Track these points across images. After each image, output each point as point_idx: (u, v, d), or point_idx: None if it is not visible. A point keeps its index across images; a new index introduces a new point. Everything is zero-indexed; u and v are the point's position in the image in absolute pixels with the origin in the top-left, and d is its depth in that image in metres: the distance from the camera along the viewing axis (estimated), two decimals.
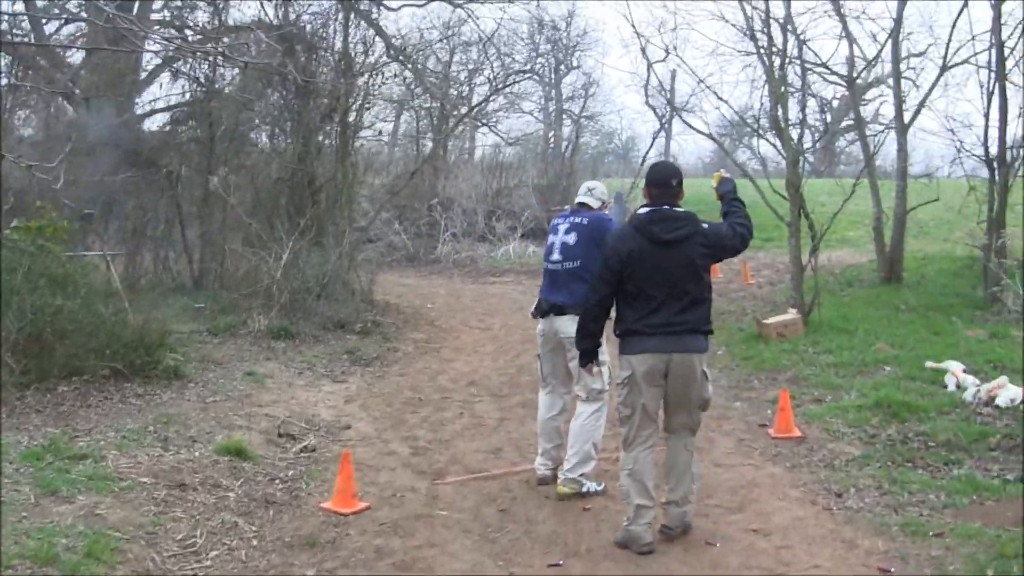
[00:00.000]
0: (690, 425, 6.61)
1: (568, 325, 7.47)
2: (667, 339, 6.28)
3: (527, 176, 27.63)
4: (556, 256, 7.72)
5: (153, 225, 17.26)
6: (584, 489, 7.51)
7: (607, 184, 12.25)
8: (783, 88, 14.52)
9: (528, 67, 32.60)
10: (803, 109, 15.28)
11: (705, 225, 6.41)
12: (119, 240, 16.90)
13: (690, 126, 17.11)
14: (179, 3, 19.15)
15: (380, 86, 19.02)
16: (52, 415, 8.77)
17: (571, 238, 7.67)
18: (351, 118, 16.93)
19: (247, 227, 15.79)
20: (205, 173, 16.52)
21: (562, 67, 40.32)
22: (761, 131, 15.39)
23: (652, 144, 33.49)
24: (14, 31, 19.04)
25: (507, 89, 30.26)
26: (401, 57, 20.38)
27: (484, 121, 30.95)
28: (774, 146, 14.61)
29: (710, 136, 18.13)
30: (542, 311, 7.82)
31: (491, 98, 28.30)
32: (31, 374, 9.41)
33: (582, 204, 7.93)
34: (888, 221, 16.94)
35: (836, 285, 16.81)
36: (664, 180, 6.51)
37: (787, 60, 15.03)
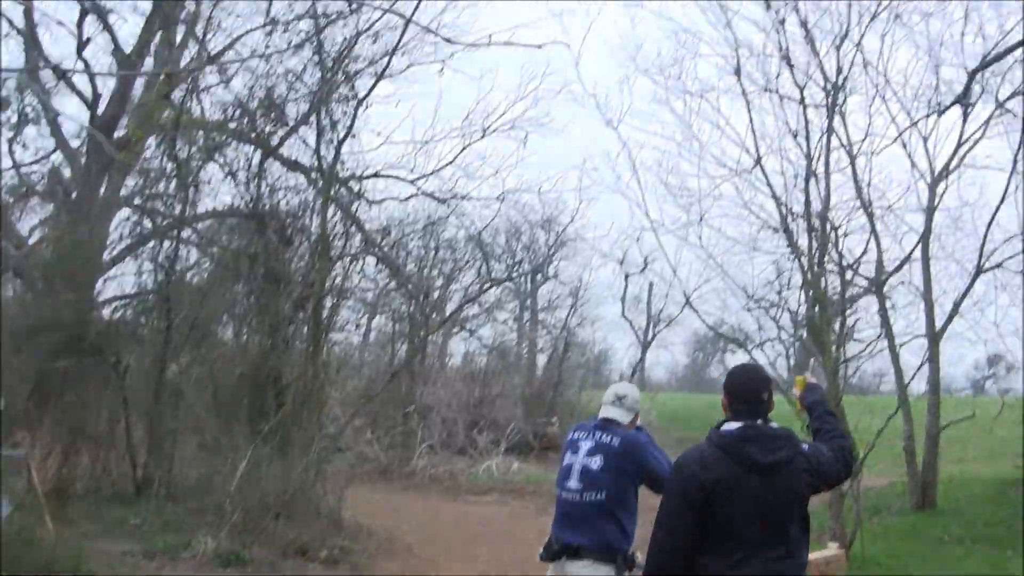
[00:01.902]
0: None
1: (582, 572, 5.94)
2: None
3: (512, 385, 25.78)
4: (574, 483, 6.09)
5: (94, 421, 15.22)
6: None
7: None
8: (822, 291, 12.97)
9: (507, 275, 31.47)
10: (843, 315, 13.65)
11: (804, 446, 4.88)
12: (54, 437, 14.83)
13: (711, 328, 15.45)
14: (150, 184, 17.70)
15: (358, 275, 17.49)
16: None
17: (595, 462, 6.06)
18: (325, 311, 15.22)
19: (202, 429, 13.88)
20: (158, 365, 14.68)
21: (539, 276, 39.54)
22: (799, 338, 13.75)
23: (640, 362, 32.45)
24: None
25: (483, 297, 29.11)
26: (379, 252, 19.08)
27: (464, 326, 29.53)
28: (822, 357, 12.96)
29: (735, 341, 16.27)
30: (552, 553, 6.09)
31: (472, 302, 26.99)
32: None
33: (609, 420, 6.26)
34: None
35: (863, 512, 14.91)
36: (753, 393, 4.94)
37: (825, 260, 13.55)
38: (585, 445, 6.14)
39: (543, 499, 18.78)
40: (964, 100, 12.81)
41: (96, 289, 17.05)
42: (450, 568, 12.99)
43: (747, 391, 4.95)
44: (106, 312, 16.74)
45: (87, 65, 17.81)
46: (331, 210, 16.39)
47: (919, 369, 15.09)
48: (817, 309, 12.72)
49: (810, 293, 12.96)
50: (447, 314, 26.19)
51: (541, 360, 34.88)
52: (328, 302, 15.77)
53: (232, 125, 16.88)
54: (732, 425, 4.86)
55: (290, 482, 12.58)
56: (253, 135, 16.50)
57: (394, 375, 20.70)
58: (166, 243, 16.43)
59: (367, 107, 16.68)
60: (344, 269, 16.50)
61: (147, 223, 17.64)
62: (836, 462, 4.95)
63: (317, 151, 16.45)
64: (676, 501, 4.78)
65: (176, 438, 14.46)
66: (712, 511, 4.65)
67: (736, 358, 54.85)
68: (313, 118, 16.77)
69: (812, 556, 11.12)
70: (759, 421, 4.85)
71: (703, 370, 59.02)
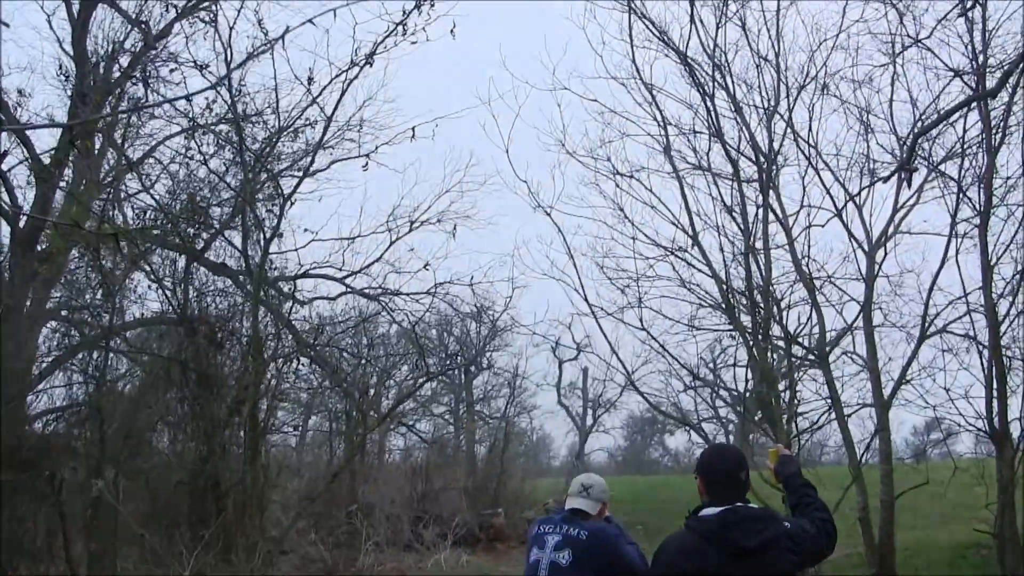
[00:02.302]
0: None
1: None
2: None
3: (454, 478, 25.32)
4: None
5: (31, 537, 14.58)
6: None
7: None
8: (769, 365, 12.88)
9: (442, 369, 31.23)
10: (792, 388, 13.54)
11: (787, 524, 4.71)
12: None
13: (654, 407, 15.42)
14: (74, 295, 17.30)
15: (293, 375, 17.14)
16: None
17: (563, 556, 5.76)
18: (261, 413, 14.85)
19: (142, 540, 13.36)
20: (93, 477, 14.17)
21: (472, 368, 39.28)
22: (747, 414, 13.62)
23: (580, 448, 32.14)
24: None
25: (419, 392, 28.80)
26: (312, 352, 18.75)
27: (403, 421, 29.14)
28: (767, 432, 12.78)
29: (677, 419, 16.12)
30: None
31: (409, 398, 26.66)
32: None
33: (576, 512, 6.00)
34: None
35: None
36: (730, 473, 4.80)
37: (769, 334, 13.49)
38: (552, 539, 5.85)
39: None
40: (908, 166, 12.85)
41: (27, 403, 16.55)
42: None
43: (724, 472, 4.78)
44: (38, 426, 16.23)
45: (4, 178, 17.45)
46: (261, 312, 16.12)
47: (873, 438, 15.01)
48: (765, 385, 12.60)
49: (756, 369, 12.84)
50: (384, 411, 25.82)
51: (480, 451, 34.54)
52: (264, 404, 15.42)
53: (156, 232, 16.60)
54: (711, 510, 4.66)
55: None
56: (177, 240, 16.23)
57: (335, 476, 20.23)
58: (95, 354, 16.04)
59: (292, 204, 16.50)
60: (277, 370, 16.20)
61: (75, 335, 17.24)
62: (819, 538, 4.77)
63: (244, 252, 16.23)
64: None
65: (116, 550, 13.91)
66: None
67: (675, 439, 54.91)
68: (238, 219, 16.57)
69: None
70: (738, 504, 4.66)
71: (643, 452, 58.65)
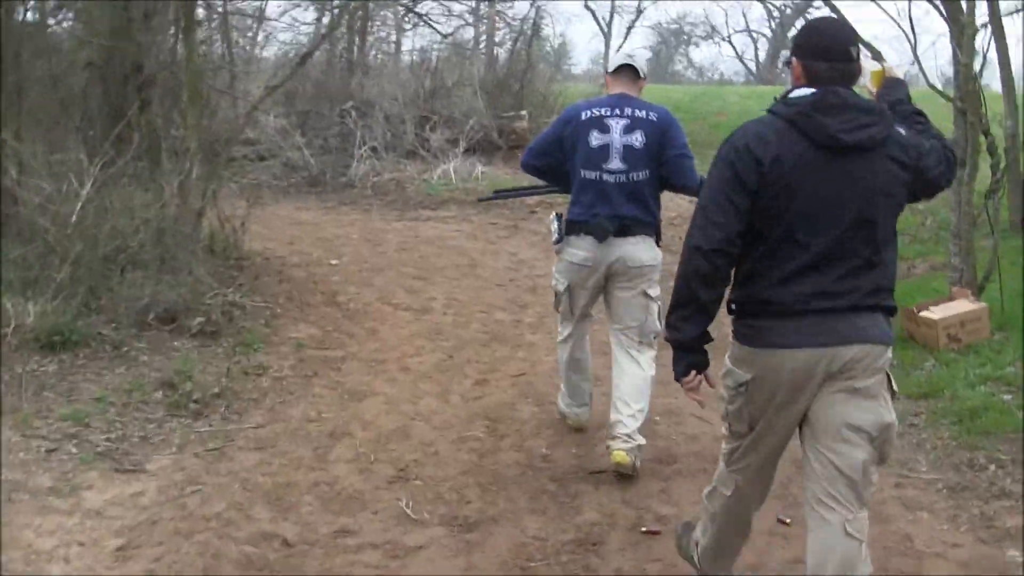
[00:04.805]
0: (857, 484, 3.27)
1: (639, 250, 5.39)
2: (828, 321, 3.23)
3: (470, 75, 21.47)
4: (616, 164, 5.33)
5: None
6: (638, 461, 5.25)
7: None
8: None
9: None
10: None
11: (901, 130, 3.40)
12: None
13: None
14: None
15: None
16: None
17: (636, 139, 5.34)
18: None
19: (48, 142, 9.76)
20: None
21: None
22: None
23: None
24: None
25: None
26: None
27: (410, 7, 25.39)
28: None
29: None
30: (600, 230, 5.30)
31: None
32: None
33: (623, 68, 5.57)
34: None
35: (946, 236, 11.03)
36: (840, 48, 3.37)
37: None
38: (618, 123, 5.41)
39: (515, 213, 15.02)
40: None
41: None
42: (393, 322, 9.25)
43: (832, 45, 3.39)
44: None
45: None
46: None
47: None
48: None
49: None
50: None
51: (501, 54, 31.10)
52: None
53: None
54: (805, 90, 3.39)
55: (157, 214, 8.71)
56: None
57: (308, 54, 16.40)
58: None
59: None
60: None
61: None
62: (939, 162, 3.48)
63: None
64: (723, 184, 3.37)
65: (16, 156, 10.36)
66: (768, 202, 3.31)
67: (700, 51, 53.31)
68: None
69: (940, 311, 7.51)
70: (842, 88, 3.35)
71: (667, 64, 57.45)
